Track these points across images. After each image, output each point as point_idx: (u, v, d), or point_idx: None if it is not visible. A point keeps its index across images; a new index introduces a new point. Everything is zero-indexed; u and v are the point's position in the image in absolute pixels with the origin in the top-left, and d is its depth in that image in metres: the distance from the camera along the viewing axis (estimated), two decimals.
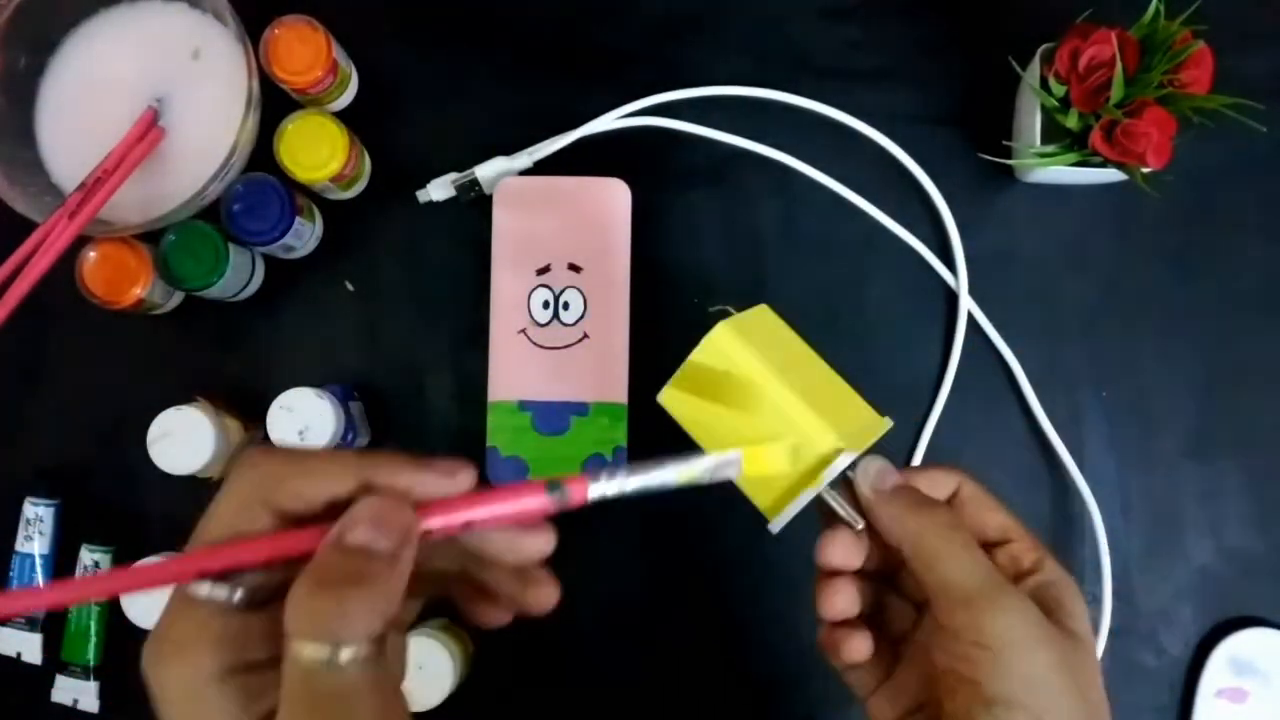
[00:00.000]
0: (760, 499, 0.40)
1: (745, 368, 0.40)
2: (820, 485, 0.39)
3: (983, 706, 0.34)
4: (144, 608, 0.58)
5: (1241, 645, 0.62)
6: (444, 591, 0.35)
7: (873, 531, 0.40)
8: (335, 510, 0.30)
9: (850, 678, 0.42)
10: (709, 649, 0.63)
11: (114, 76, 0.63)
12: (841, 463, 0.39)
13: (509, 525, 0.31)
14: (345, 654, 0.27)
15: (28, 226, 0.58)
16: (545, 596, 0.33)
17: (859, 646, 0.40)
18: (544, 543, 0.32)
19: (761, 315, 0.44)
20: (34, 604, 0.27)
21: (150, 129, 0.61)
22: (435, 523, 0.30)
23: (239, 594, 0.29)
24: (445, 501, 0.30)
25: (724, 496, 0.41)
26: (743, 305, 0.65)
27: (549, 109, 0.65)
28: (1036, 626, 0.35)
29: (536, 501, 0.31)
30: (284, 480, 0.30)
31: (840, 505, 0.40)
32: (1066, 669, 0.35)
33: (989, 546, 0.39)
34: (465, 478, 0.31)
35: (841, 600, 0.40)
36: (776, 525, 0.40)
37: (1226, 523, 0.63)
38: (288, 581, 0.28)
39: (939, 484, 0.40)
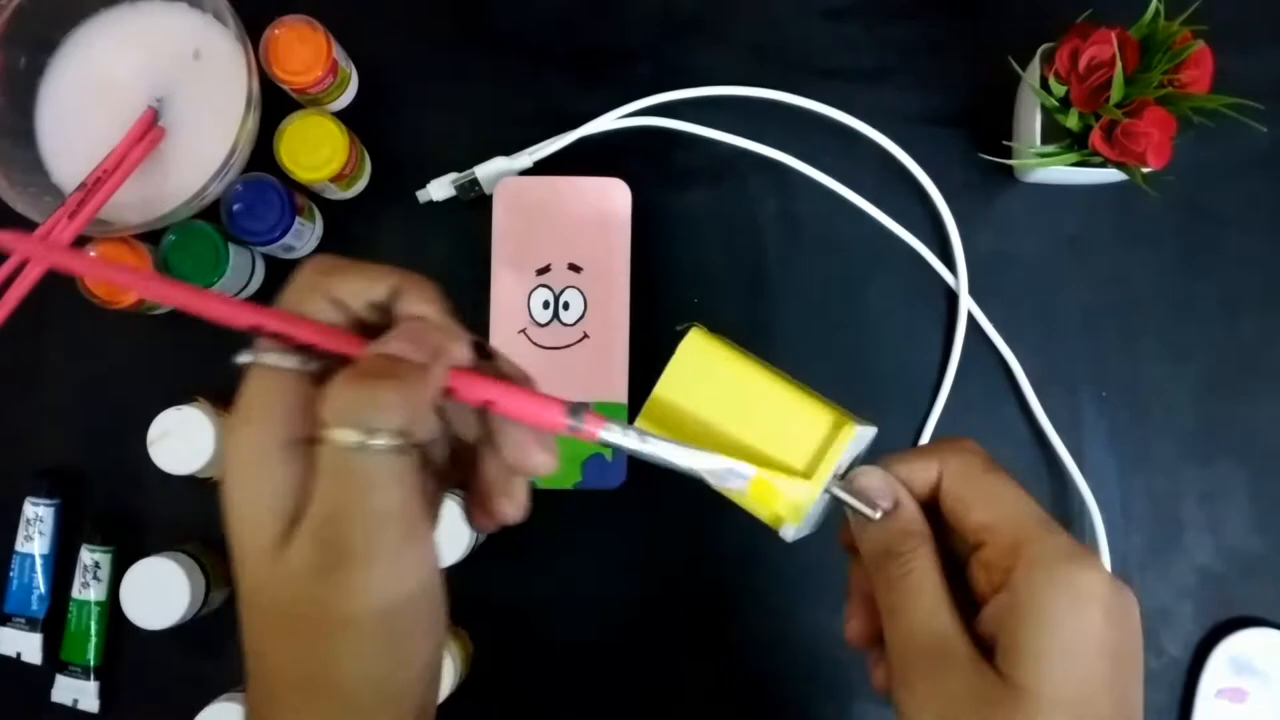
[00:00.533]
0: (764, 509, 0.39)
1: (727, 367, 0.40)
2: (827, 480, 0.37)
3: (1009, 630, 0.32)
4: (144, 608, 0.58)
5: (1241, 645, 0.62)
6: (461, 480, 0.36)
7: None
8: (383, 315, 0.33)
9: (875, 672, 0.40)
10: (708, 650, 0.63)
11: (114, 76, 0.63)
12: (850, 448, 0.38)
13: (522, 426, 0.33)
14: (375, 441, 0.29)
15: (28, 226, 0.58)
16: (514, 509, 0.34)
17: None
18: (545, 462, 0.34)
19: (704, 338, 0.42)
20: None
21: (150, 129, 0.61)
22: (463, 384, 0.32)
23: (307, 364, 0.32)
24: (478, 375, 0.32)
25: (724, 498, 0.41)
26: (742, 304, 0.65)
27: (549, 109, 0.65)
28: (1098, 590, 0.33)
29: (555, 415, 0.33)
30: (332, 272, 0.33)
31: (851, 498, 0.37)
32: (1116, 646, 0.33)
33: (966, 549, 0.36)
34: (465, 347, 0.33)
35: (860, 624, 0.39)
36: (793, 534, 0.38)
37: (1226, 523, 0.63)
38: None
39: (916, 484, 0.37)
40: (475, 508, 0.35)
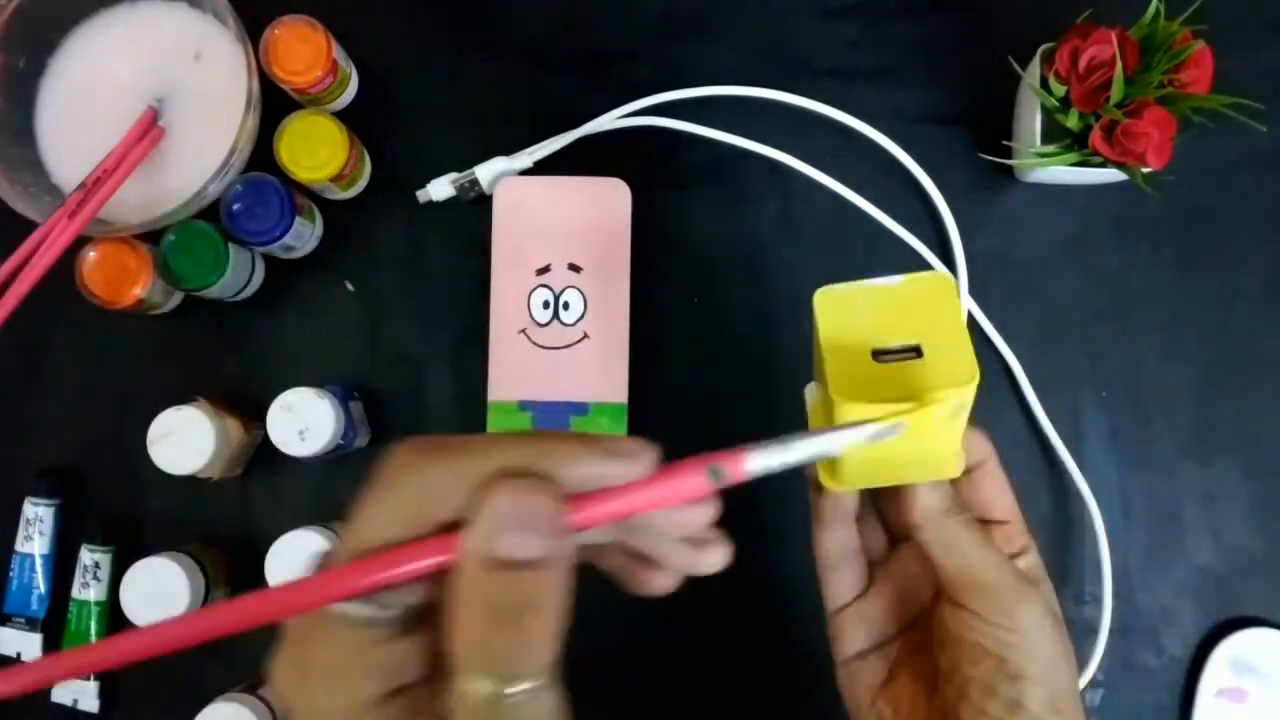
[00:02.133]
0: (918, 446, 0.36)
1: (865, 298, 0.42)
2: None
3: (1008, 679, 0.38)
4: (144, 608, 0.58)
5: (1242, 645, 0.62)
6: (592, 559, 0.31)
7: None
8: None
9: (829, 584, 0.45)
10: (713, 656, 0.63)
11: (114, 76, 0.63)
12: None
13: (669, 514, 0.29)
14: (521, 687, 0.25)
15: (28, 226, 0.58)
16: (716, 556, 0.30)
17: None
18: (708, 511, 0.30)
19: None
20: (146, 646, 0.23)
21: (150, 129, 0.61)
22: (593, 515, 0.27)
23: (393, 614, 0.26)
24: (592, 496, 0.27)
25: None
26: (742, 304, 0.65)
27: (549, 108, 0.65)
28: (1051, 616, 0.40)
29: (697, 484, 0.28)
30: (442, 452, 0.26)
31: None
32: (1068, 650, 0.40)
33: (987, 523, 0.42)
34: (648, 458, 0.28)
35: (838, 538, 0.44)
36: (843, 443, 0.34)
37: (1227, 522, 0.63)
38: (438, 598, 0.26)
39: (972, 452, 0.42)
40: (641, 574, 0.31)
